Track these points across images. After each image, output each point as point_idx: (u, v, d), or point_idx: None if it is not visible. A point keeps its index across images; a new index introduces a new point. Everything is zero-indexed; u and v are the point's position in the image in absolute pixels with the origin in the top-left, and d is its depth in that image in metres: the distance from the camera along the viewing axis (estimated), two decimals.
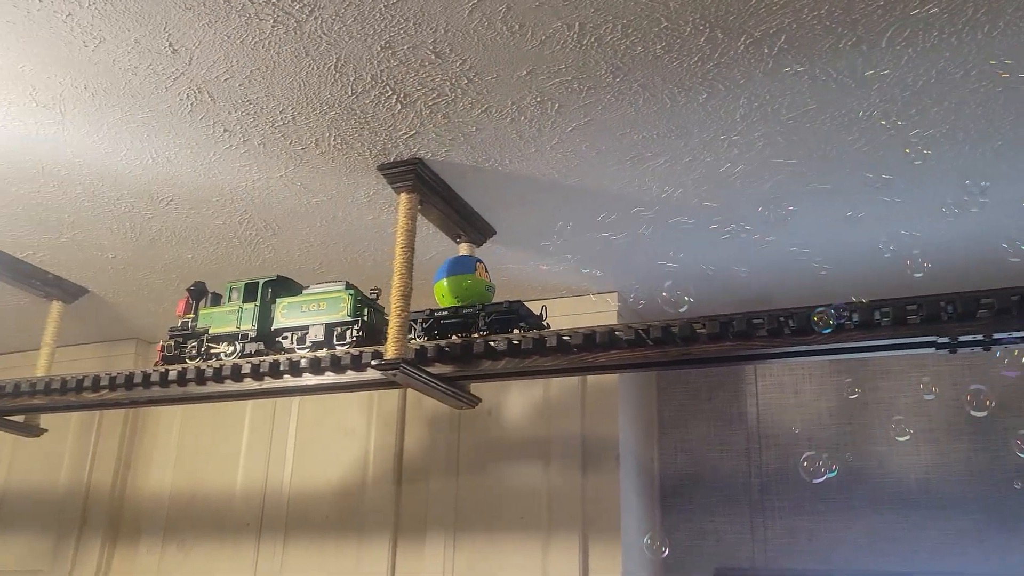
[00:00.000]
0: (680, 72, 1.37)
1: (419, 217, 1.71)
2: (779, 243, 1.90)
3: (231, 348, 1.82)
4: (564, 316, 2.19)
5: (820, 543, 2.22)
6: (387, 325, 1.66)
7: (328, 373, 1.70)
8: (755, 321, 1.44)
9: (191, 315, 1.91)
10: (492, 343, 1.60)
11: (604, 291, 2.23)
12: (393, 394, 2.31)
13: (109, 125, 1.57)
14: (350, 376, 1.68)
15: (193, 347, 1.86)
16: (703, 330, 1.48)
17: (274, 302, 1.84)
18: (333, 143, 1.61)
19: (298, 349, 1.78)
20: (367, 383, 1.68)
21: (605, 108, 1.47)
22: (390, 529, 2.22)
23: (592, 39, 1.31)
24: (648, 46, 1.32)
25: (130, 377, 1.83)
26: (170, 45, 1.35)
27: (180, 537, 2.45)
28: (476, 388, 1.79)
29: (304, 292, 1.84)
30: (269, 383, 1.73)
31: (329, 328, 1.75)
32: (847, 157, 1.57)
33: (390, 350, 1.55)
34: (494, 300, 1.75)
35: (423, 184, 1.67)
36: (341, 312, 1.76)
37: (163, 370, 1.80)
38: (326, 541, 2.28)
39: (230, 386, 1.75)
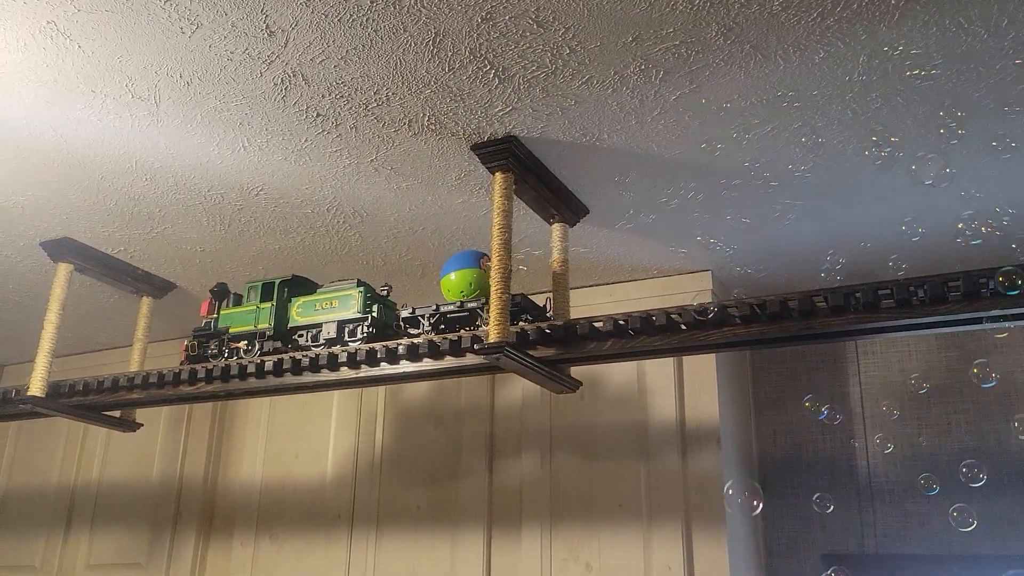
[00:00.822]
0: (797, 30, 1.30)
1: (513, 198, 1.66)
2: (886, 215, 1.81)
3: (249, 347, 1.86)
4: (657, 297, 2.13)
5: (934, 527, 2.12)
6: (397, 320, 1.75)
7: (426, 360, 1.66)
8: (881, 292, 1.36)
9: (213, 315, 1.94)
10: (597, 324, 1.54)
11: (698, 269, 2.16)
12: (482, 380, 2.27)
13: (203, 115, 1.55)
14: (449, 362, 1.64)
15: (215, 346, 1.90)
16: (823, 303, 1.40)
17: (290, 301, 1.88)
18: (426, 123, 1.57)
19: (312, 346, 1.79)
20: (467, 368, 1.65)
21: (713, 73, 1.40)
22: (484, 519, 2.19)
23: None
24: (765, 3, 1.25)
25: (226, 369, 1.82)
26: (267, 27, 1.32)
27: (272, 530, 2.45)
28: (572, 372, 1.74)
29: (318, 291, 1.87)
30: (366, 371, 1.70)
31: (341, 325, 1.78)
32: (973, 118, 1.47)
33: (492, 334, 1.51)
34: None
35: (517, 163, 1.62)
36: (352, 309, 1.79)
37: (258, 361, 1.79)
38: (419, 532, 2.26)
39: (326, 375, 1.73)
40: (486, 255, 1.74)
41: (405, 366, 1.68)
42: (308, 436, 2.49)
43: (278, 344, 1.84)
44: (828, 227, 1.89)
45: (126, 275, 2.18)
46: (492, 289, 1.55)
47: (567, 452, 2.15)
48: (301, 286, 1.90)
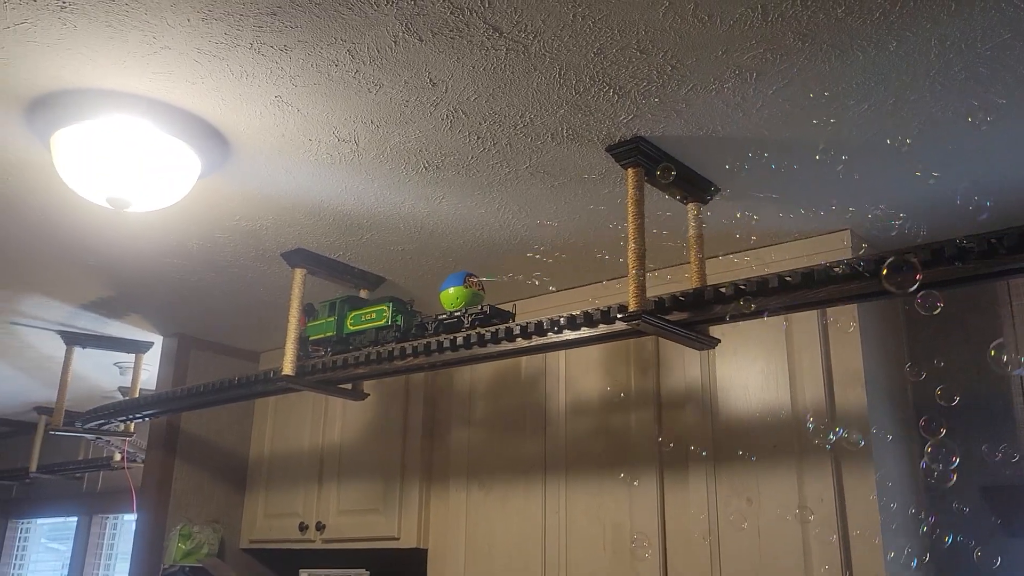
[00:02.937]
0: (865, 28, 1.51)
1: (647, 186, 1.96)
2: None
3: (321, 351, 2.55)
4: (798, 258, 2.34)
5: None
6: (416, 324, 2.38)
7: (584, 328, 2.00)
8: None
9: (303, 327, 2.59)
10: (721, 289, 1.81)
11: (835, 229, 2.34)
12: (649, 341, 2.58)
13: (390, 147, 1.97)
14: (602, 329, 1.97)
15: (303, 351, 2.56)
16: (973, 246, 1.53)
17: (345, 315, 2.52)
18: (565, 135, 1.90)
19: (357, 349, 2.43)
20: (617, 333, 1.97)
21: (800, 70, 1.63)
22: (656, 463, 2.51)
23: (775, 15, 1.48)
24: (829, 12, 1.47)
25: (428, 345, 2.25)
26: (430, 80, 1.71)
27: (480, 478, 2.90)
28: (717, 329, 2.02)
29: (363, 307, 2.50)
30: (536, 340, 2.07)
31: (377, 331, 2.43)
32: None
33: (632, 303, 1.83)
34: (485, 303, 2.30)
35: (646, 158, 1.92)
36: (384, 319, 2.42)
37: (453, 337, 2.21)
38: (601, 476, 2.61)
39: (505, 346, 2.12)
40: (472, 274, 2.35)
41: (567, 334, 2.04)
42: (503, 400, 2.91)
43: (341, 348, 2.50)
44: (960, 180, 2.03)
45: (346, 273, 2.68)
46: (630, 267, 1.86)
47: (724, 401, 2.42)
48: (353, 303, 2.54)
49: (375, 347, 2.39)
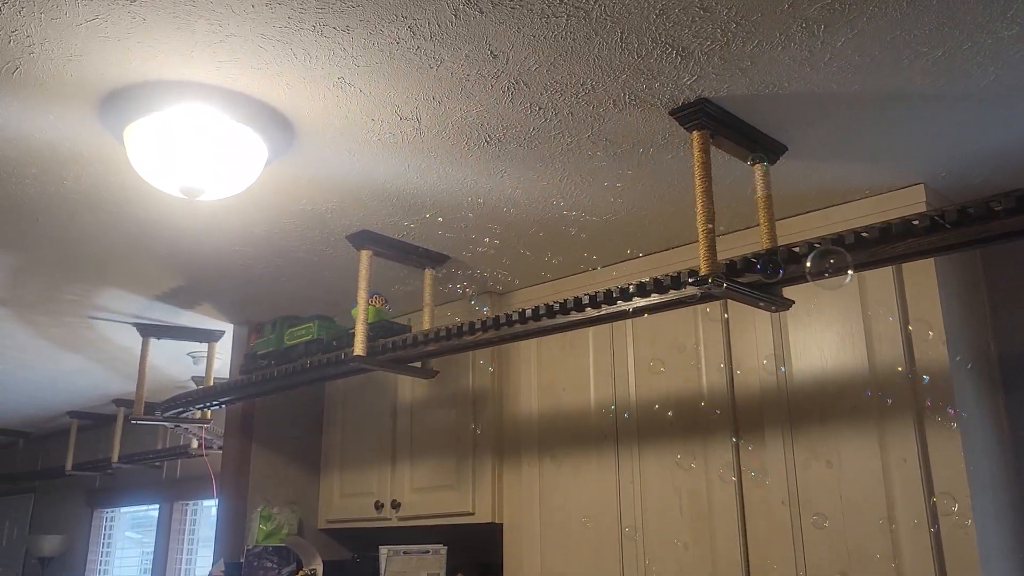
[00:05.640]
0: None
1: (713, 148, 1.93)
2: None
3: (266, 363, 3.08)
4: (871, 215, 2.29)
5: None
6: (335, 337, 2.89)
7: (654, 295, 1.99)
8: None
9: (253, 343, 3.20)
10: (795, 248, 1.79)
11: (908, 184, 2.28)
12: (717, 307, 2.56)
13: (452, 124, 1.98)
14: (672, 295, 1.96)
15: (251, 363, 3.15)
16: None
17: (284, 331, 3.10)
18: (628, 101, 1.88)
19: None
20: (688, 299, 1.95)
21: (870, 18, 1.59)
22: (730, 428, 2.49)
23: None
24: None
25: (496, 319, 2.26)
26: (491, 52, 1.70)
27: (552, 452, 2.91)
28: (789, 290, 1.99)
29: (298, 324, 3.06)
30: (606, 309, 2.07)
31: (306, 345, 2.95)
32: None
33: (702, 266, 1.81)
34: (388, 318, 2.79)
35: (711, 119, 1.89)
36: (311, 335, 2.94)
37: (519, 310, 2.21)
38: (674, 444, 2.60)
39: (574, 316, 2.12)
40: (378, 292, 2.78)
41: (637, 302, 2.03)
42: (572, 372, 2.91)
43: (281, 359, 3.02)
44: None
45: (411, 253, 2.70)
46: (699, 229, 1.84)
47: (797, 364, 2.39)
48: (293, 321, 3.06)
49: (389, 337, 2.65)
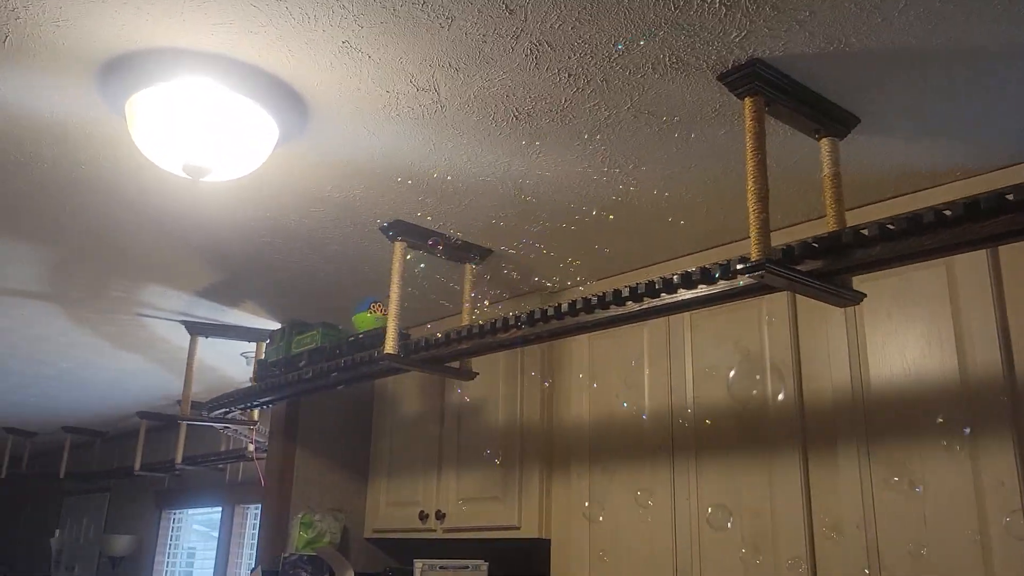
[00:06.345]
0: None
1: (772, 123, 1.68)
2: None
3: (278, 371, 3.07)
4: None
5: None
6: (338, 345, 2.84)
7: (701, 286, 1.75)
8: None
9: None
10: (863, 230, 1.52)
11: (1010, 163, 1.97)
12: (783, 307, 2.29)
13: (474, 94, 1.78)
14: (722, 286, 1.72)
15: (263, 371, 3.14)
16: None
17: (292, 339, 3.09)
18: (669, 63, 1.65)
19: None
20: (739, 291, 1.71)
21: None
22: (798, 442, 2.21)
23: None
24: None
25: (531, 314, 2.06)
26: (506, 7, 1.51)
27: (603, 462, 2.68)
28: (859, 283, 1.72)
29: (305, 332, 3.04)
30: (648, 303, 1.84)
31: (310, 352, 2.93)
32: None
33: (754, 251, 1.56)
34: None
35: (766, 84, 1.64)
36: (315, 342, 2.94)
37: (557, 305, 2.00)
38: (734, 457, 2.34)
39: (614, 311, 1.89)
40: (377, 300, 2.74)
41: (682, 294, 1.79)
42: (625, 377, 2.68)
43: (289, 367, 2.99)
44: None
45: (448, 246, 2.51)
46: (750, 209, 1.60)
47: (876, 367, 2.10)
48: (301, 328, 3.06)
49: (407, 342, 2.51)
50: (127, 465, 5.74)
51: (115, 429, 6.26)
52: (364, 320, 2.76)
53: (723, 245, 2.46)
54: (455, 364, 2.50)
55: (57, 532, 7.33)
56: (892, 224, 1.49)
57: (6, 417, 5.92)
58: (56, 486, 6.95)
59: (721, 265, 1.70)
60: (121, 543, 6.00)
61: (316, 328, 2.95)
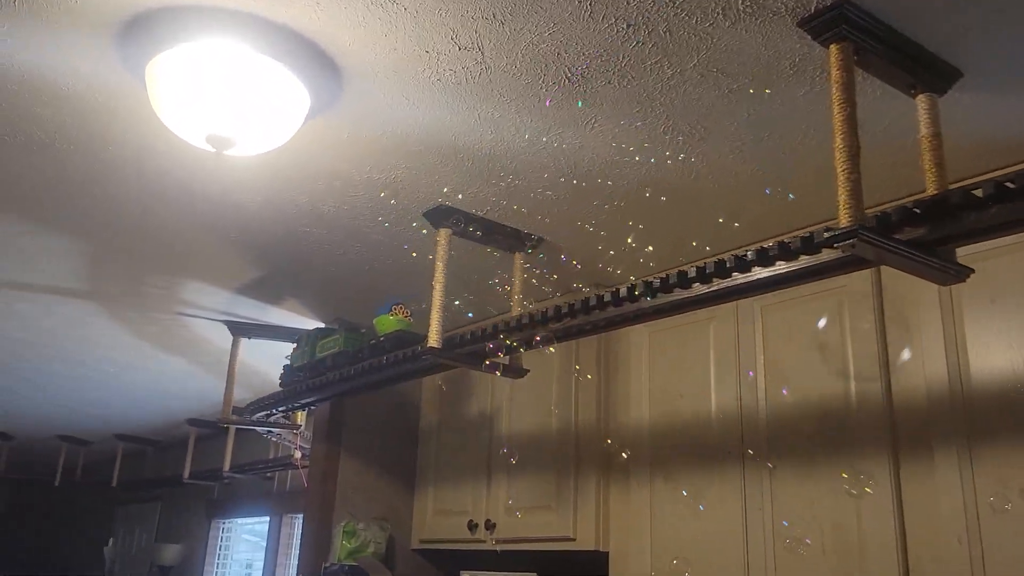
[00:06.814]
0: None
1: (861, 77, 1.47)
2: None
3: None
4: None
5: None
6: (361, 348, 2.74)
7: (779, 263, 1.54)
8: None
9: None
10: (975, 191, 1.30)
11: None
12: (867, 292, 2.06)
13: (521, 52, 1.61)
14: (804, 261, 1.50)
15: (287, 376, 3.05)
16: None
17: (316, 343, 2.98)
18: (742, 9, 1.45)
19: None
20: (824, 266, 1.49)
21: None
22: (887, 447, 1.98)
23: None
24: None
25: (586, 301, 1.87)
26: None
27: (666, 468, 2.46)
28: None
29: (328, 336, 2.93)
30: (718, 284, 1.63)
31: (333, 357, 2.82)
32: None
33: (843, 217, 1.35)
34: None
35: (856, 29, 1.43)
36: (338, 346, 2.83)
37: (613, 289, 1.81)
38: (814, 463, 2.11)
39: (678, 295, 1.69)
40: (399, 302, 2.63)
41: (758, 273, 1.58)
42: (689, 374, 2.46)
43: (314, 372, 2.89)
44: None
45: (497, 233, 2.33)
46: (838, 170, 1.39)
47: (977, 362, 1.85)
48: (325, 332, 2.96)
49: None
50: (178, 474, 5.68)
51: (167, 437, 6.21)
52: (386, 322, 2.62)
53: (802, 229, 2.23)
54: (504, 360, 2.32)
55: (111, 541, 7.33)
56: (1012, 182, 1.27)
57: (59, 424, 5.91)
58: (109, 495, 6.94)
59: (803, 237, 1.49)
60: (171, 552, 5.93)
61: (339, 332, 2.87)
